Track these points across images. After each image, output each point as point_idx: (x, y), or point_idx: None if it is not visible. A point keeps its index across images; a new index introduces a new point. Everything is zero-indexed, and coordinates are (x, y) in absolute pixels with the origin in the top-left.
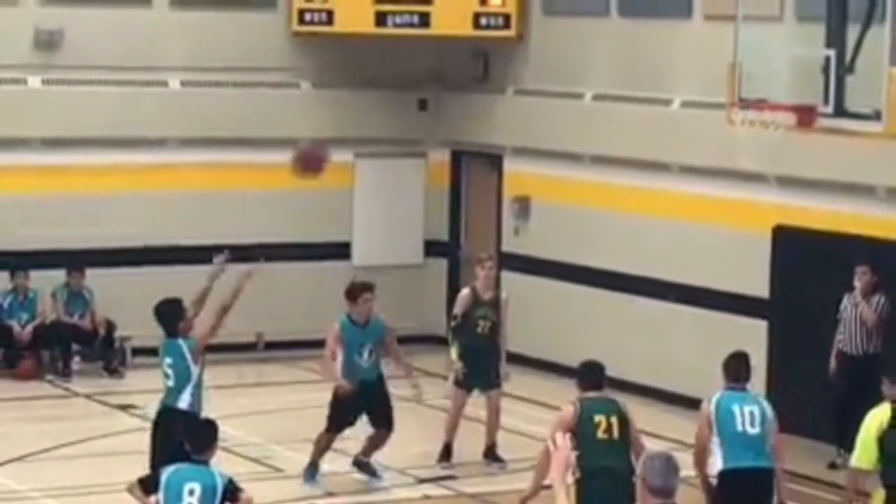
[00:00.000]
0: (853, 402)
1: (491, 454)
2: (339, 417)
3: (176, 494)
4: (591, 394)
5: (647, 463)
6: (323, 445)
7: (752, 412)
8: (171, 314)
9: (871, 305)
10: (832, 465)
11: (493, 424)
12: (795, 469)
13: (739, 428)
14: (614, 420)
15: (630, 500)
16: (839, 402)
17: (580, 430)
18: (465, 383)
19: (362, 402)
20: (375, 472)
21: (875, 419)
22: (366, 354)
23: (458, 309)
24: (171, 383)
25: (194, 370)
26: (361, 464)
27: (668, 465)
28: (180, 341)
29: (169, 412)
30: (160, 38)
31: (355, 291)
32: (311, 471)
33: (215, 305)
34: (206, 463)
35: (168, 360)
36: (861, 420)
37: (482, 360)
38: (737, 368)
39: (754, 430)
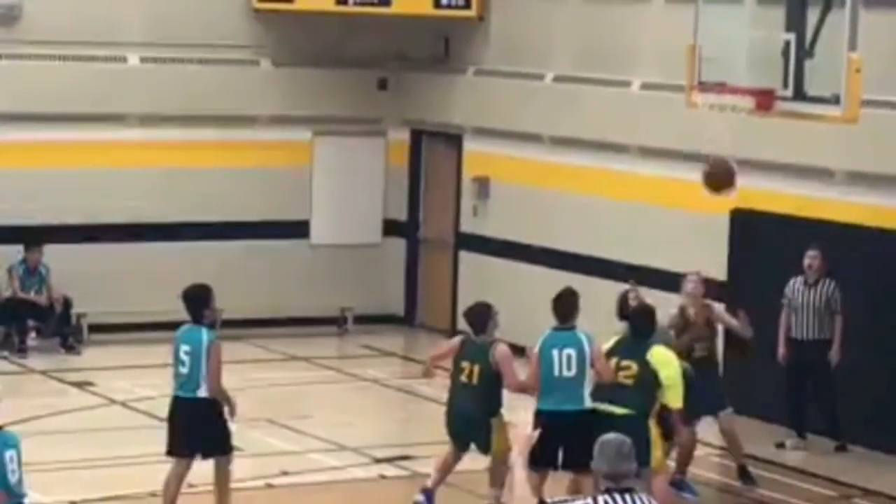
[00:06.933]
0: (807, 388)
1: (745, 474)
2: None
3: None
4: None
5: (597, 448)
6: None
7: (569, 355)
8: (197, 299)
9: (819, 291)
10: (780, 445)
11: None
12: (746, 450)
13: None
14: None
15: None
16: (794, 389)
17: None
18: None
19: None
20: None
21: None
22: None
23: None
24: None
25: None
26: None
27: (620, 451)
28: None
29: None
30: (119, 14)
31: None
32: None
33: None
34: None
35: (185, 348)
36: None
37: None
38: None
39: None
